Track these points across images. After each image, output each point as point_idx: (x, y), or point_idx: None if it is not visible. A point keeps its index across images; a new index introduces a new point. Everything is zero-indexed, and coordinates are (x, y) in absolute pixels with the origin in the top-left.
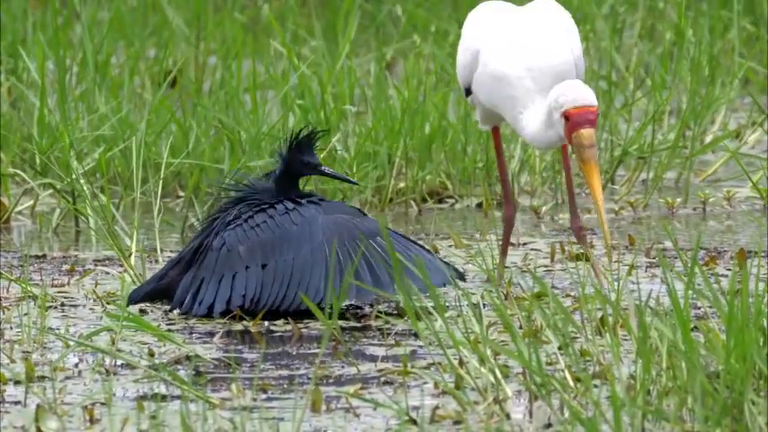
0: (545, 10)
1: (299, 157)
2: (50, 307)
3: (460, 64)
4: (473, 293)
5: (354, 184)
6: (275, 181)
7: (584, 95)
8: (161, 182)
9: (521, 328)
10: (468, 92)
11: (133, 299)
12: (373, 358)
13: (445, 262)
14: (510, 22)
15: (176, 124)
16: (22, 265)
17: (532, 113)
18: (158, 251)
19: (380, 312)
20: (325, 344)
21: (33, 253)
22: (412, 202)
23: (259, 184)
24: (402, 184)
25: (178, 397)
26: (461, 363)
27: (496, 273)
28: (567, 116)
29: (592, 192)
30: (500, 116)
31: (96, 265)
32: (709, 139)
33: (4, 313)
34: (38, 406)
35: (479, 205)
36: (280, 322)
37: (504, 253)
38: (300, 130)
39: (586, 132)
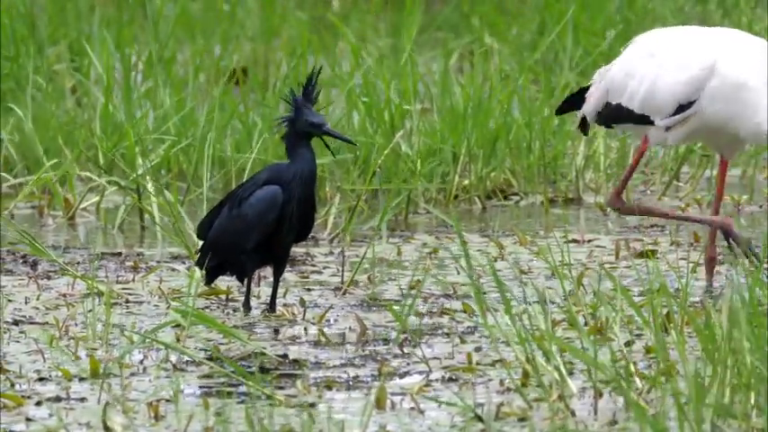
0: (732, 30)
1: (304, 119)
2: (115, 304)
3: (680, 81)
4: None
5: (350, 142)
6: (287, 141)
7: None
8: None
9: (586, 324)
10: (644, 118)
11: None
12: (439, 355)
13: None
14: (730, 37)
15: (240, 120)
16: (89, 262)
17: None
18: None
19: (447, 309)
20: (392, 341)
21: (99, 250)
22: (476, 199)
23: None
24: (466, 181)
25: (244, 394)
26: (527, 359)
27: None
28: None
29: None
30: (709, 133)
31: (160, 262)
32: None
33: (69, 310)
34: (106, 402)
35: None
36: (345, 319)
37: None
38: (305, 87)
39: None
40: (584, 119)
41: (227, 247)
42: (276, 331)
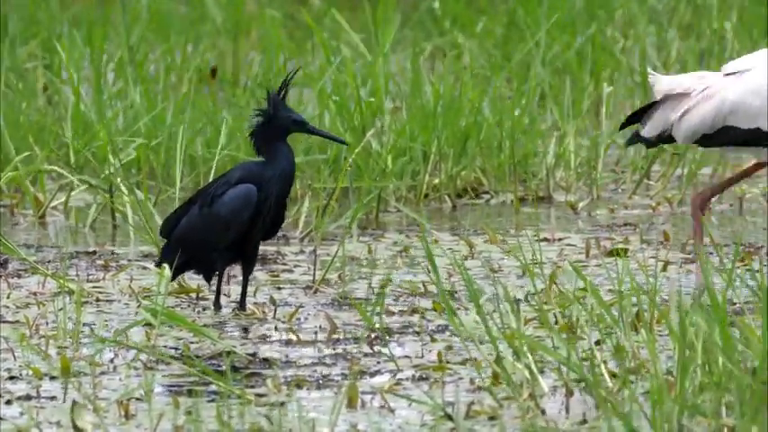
0: None
1: (287, 115)
2: (86, 302)
3: None
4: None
5: (342, 142)
6: (260, 138)
7: None
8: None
9: (557, 323)
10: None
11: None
12: (409, 354)
13: None
14: None
15: (211, 120)
16: (60, 260)
17: None
18: None
19: (417, 308)
20: (362, 339)
21: (70, 248)
22: (447, 198)
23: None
24: (437, 180)
25: (214, 393)
26: (497, 358)
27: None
28: None
29: None
30: None
31: (130, 261)
32: None
33: (40, 309)
34: (74, 401)
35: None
36: (316, 318)
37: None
38: (281, 86)
39: None
40: (657, 135)
41: (197, 244)
42: (246, 330)
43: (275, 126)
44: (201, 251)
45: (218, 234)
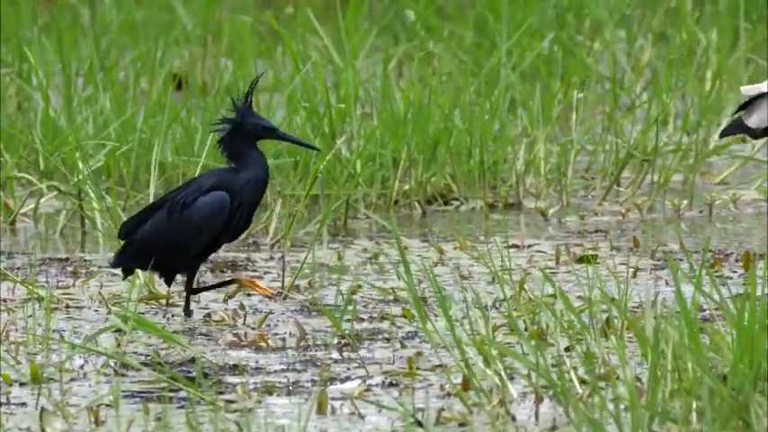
0: None
1: (256, 121)
2: (56, 309)
3: None
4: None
5: (313, 148)
6: (230, 145)
7: None
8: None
9: (526, 329)
10: None
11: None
12: (379, 360)
13: None
14: None
15: (181, 125)
16: (29, 267)
17: None
18: None
19: (387, 314)
20: (332, 346)
21: (39, 255)
22: (416, 204)
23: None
24: (407, 186)
25: (184, 399)
26: (467, 364)
27: None
28: None
29: None
30: None
31: (100, 268)
32: (714, 141)
33: (9, 315)
34: (42, 408)
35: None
36: (285, 324)
37: None
38: (247, 93)
39: None
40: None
41: (163, 249)
42: (216, 336)
43: (244, 132)
44: (167, 256)
45: (190, 240)
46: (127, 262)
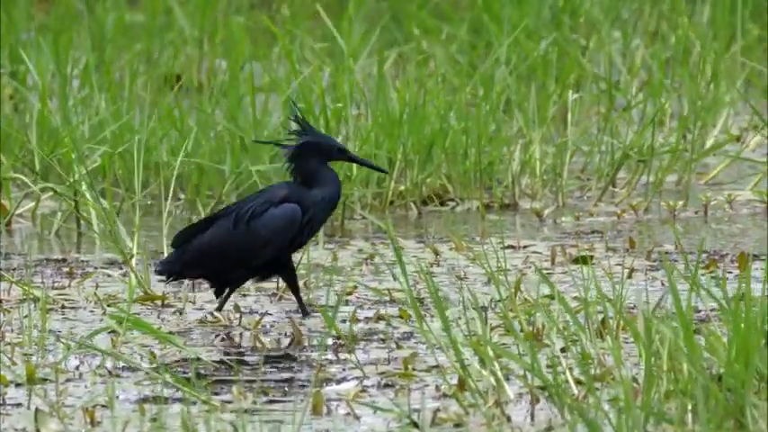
0: None
1: (331, 142)
2: (51, 309)
3: None
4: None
5: (383, 171)
6: (303, 163)
7: None
8: (163, 184)
9: (522, 330)
10: None
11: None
12: (375, 361)
13: None
14: None
15: (175, 127)
16: (25, 267)
17: None
18: (165, 253)
19: (383, 315)
20: (327, 347)
21: (35, 256)
22: (412, 205)
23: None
24: (402, 187)
25: (179, 399)
26: (463, 365)
27: None
28: None
29: None
30: None
31: (96, 268)
32: (710, 142)
33: (5, 315)
34: (38, 408)
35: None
36: (281, 325)
37: None
38: (297, 116)
39: None
40: None
41: (222, 259)
42: (212, 337)
43: (319, 152)
44: (226, 267)
45: (254, 252)
46: (178, 269)
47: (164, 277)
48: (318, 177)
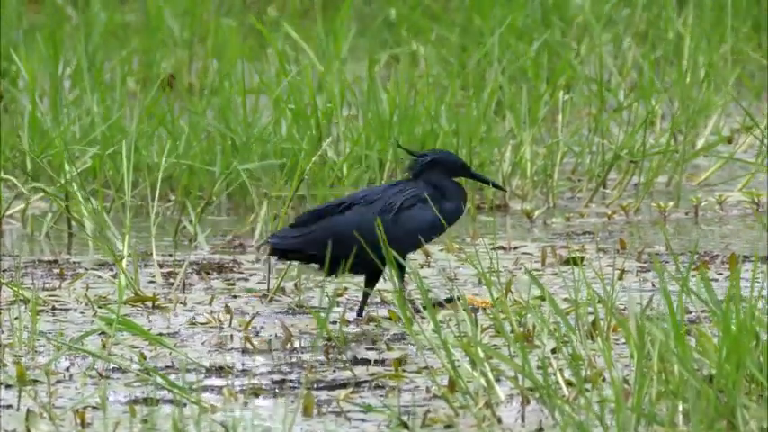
0: None
1: (456, 160)
2: (42, 311)
3: None
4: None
5: (501, 189)
6: (432, 178)
7: None
8: (154, 185)
9: (513, 331)
10: None
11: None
12: (365, 362)
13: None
14: None
15: (166, 128)
16: (15, 269)
17: None
18: (153, 254)
19: (374, 316)
20: (318, 348)
21: (25, 257)
22: None
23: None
24: None
25: (170, 401)
26: (453, 366)
27: None
28: None
29: None
30: None
31: (87, 270)
32: (701, 143)
33: None
34: (28, 410)
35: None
36: (272, 326)
37: None
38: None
39: None
40: None
41: (352, 243)
42: (202, 338)
43: (446, 168)
44: (359, 251)
45: (399, 244)
46: (299, 245)
47: (272, 253)
48: (447, 190)
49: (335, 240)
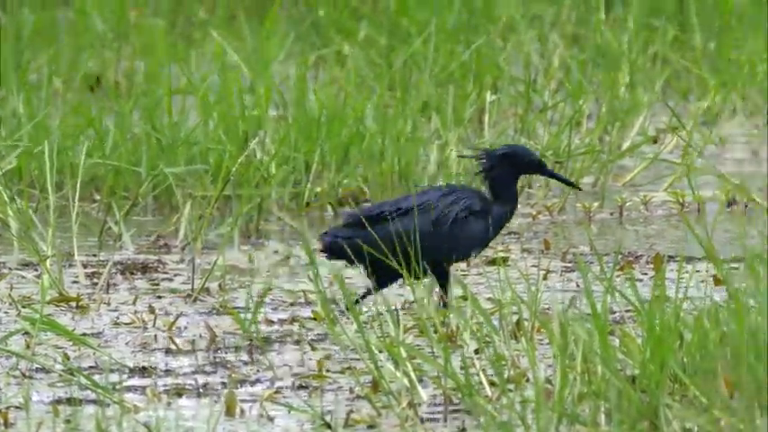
0: None
1: (533, 156)
2: None
3: None
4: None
5: (575, 187)
6: (501, 180)
7: None
8: (78, 185)
9: (436, 332)
10: None
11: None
12: (289, 363)
13: None
14: None
15: (94, 128)
16: None
17: None
18: (75, 254)
19: (297, 317)
20: (241, 348)
21: None
22: (329, 207)
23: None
24: (319, 189)
25: (93, 401)
26: (376, 367)
27: None
28: None
29: None
30: None
31: (11, 269)
32: (627, 143)
33: None
34: None
35: None
36: (196, 327)
37: None
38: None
39: None
40: None
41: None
42: (126, 339)
43: (518, 164)
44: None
45: (450, 252)
46: (353, 246)
47: (327, 252)
48: (505, 192)
49: (388, 247)
